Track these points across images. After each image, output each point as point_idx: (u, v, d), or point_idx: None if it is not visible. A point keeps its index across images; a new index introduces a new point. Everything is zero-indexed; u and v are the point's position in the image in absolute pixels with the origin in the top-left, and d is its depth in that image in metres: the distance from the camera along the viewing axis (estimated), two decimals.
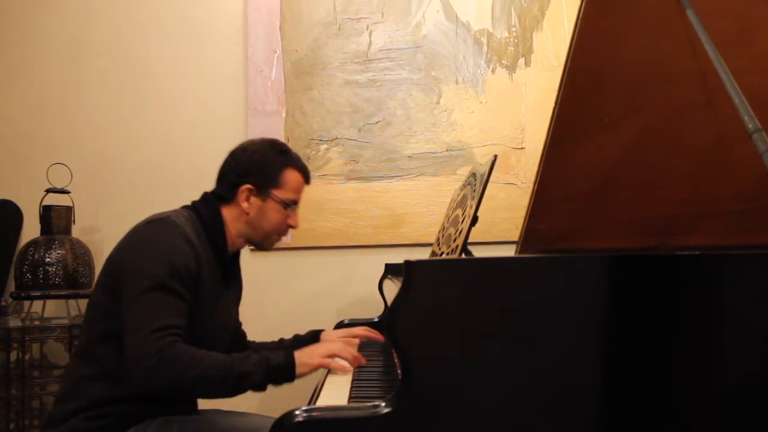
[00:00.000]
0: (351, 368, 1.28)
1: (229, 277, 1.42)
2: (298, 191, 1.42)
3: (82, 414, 1.20)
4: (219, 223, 1.36)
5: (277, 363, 1.20)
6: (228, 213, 1.38)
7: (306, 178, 1.44)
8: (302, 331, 1.63)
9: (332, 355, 1.26)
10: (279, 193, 1.37)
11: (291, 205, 1.40)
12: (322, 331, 1.61)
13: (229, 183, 1.38)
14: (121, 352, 1.15)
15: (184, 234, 1.25)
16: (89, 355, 1.25)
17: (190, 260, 1.23)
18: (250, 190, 1.36)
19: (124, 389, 1.20)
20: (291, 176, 1.39)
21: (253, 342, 1.63)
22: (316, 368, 1.24)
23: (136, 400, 1.22)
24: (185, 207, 1.38)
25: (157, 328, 1.12)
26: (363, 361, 1.31)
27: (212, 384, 1.15)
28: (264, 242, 1.42)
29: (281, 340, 1.62)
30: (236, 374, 1.16)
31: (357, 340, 1.56)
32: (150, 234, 1.24)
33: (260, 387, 1.19)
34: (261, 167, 1.37)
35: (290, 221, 1.42)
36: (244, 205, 1.37)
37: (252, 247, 1.51)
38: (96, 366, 1.23)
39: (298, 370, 1.22)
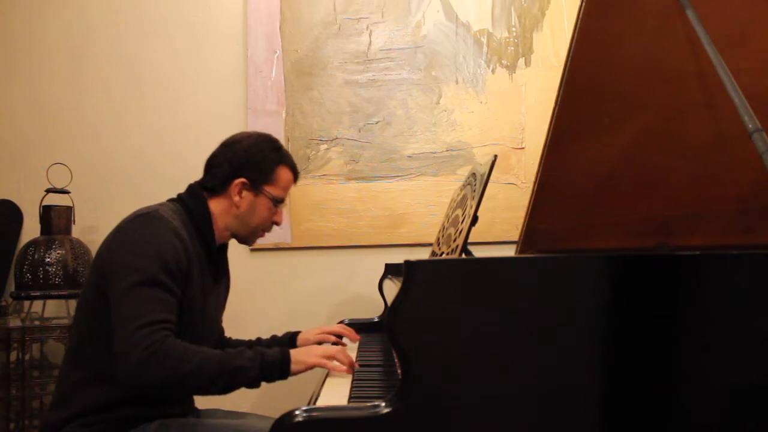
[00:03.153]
0: (346, 369, 1.26)
1: (217, 272, 1.40)
2: (288, 189, 1.43)
3: (77, 420, 1.18)
4: (207, 216, 1.35)
5: (272, 359, 1.19)
6: (216, 205, 1.37)
7: (296, 176, 1.45)
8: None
9: (329, 358, 1.25)
10: (271, 190, 1.38)
11: (280, 202, 1.41)
12: (298, 332, 1.61)
13: (222, 175, 1.36)
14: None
15: (173, 228, 1.23)
16: (81, 357, 1.23)
17: (180, 254, 1.21)
18: (243, 184, 1.36)
19: (120, 392, 1.18)
20: (284, 174, 1.40)
21: (230, 339, 1.62)
22: (311, 367, 1.23)
23: (132, 404, 1.20)
24: (171, 200, 1.37)
25: (148, 322, 1.10)
26: (356, 366, 1.31)
27: (205, 380, 1.13)
28: (249, 237, 1.43)
29: (258, 339, 1.61)
30: (230, 369, 1.14)
31: (333, 338, 1.58)
32: (138, 229, 1.22)
33: (254, 383, 1.18)
34: (256, 162, 1.37)
35: (276, 218, 1.43)
36: (236, 198, 1.36)
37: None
38: (89, 369, 1.21)
39: (293, 367, 1.21)
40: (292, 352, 1.23)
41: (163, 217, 1.24)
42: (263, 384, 1.19)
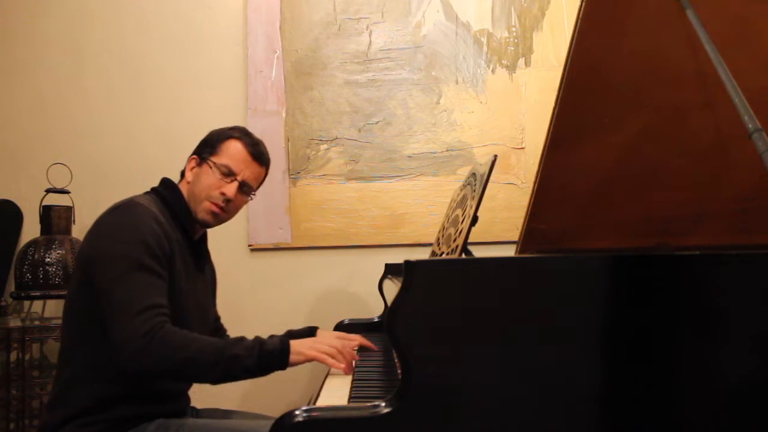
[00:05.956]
0: (343, 367, 1.25)
1: (199, 258, 1.42)
2: (237, 160, 1.38)
3: (74, 421, 1.18)
4: (182, 201, 1.37)
5: (271, 348, 1.18)
6: (184, 188, 1.41)
7: (252, 151, 1.40)
8: None
9: (330, 354, 1.25)
10: (214, 158, 1.38)
11: (226, 173, 1.37)
12: (316, 328, 1.59)
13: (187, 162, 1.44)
14: (104, 350, 1.13)
15: (152, 213, 1.25)
16: (71, 357, 1.23)
17: (161, 237, 1.22)
18: (195, 160, 1.41)
19: (114, 390, 1.18)
20: (231, 145, 1.40)
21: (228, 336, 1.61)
22: (310, 360, 1.22)
23: (129, 402, 1.20)
24: (146, 192, 1.39)
25: (143, 308, 1.11)
26: (357, 357, 1.30)
27: (203, 367, 1.13)
28: (198, 213, 1.37)
29: (272, 337, 1.60)
30: (228, 357, 1.13)
31: (355, 344, 1.55)
32: (116, 219, 1.24)
33: (252, 372, 1.17)
34: (208, 139, 1.43)
35: (224, 189, 1.37)
36: (188, 174, 1.41)
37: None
38: (81, 367, 1.21)
39: (292, 357, 1.20)
40: (293, 342, 1.22)
41: (139, 203, 1.26)
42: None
